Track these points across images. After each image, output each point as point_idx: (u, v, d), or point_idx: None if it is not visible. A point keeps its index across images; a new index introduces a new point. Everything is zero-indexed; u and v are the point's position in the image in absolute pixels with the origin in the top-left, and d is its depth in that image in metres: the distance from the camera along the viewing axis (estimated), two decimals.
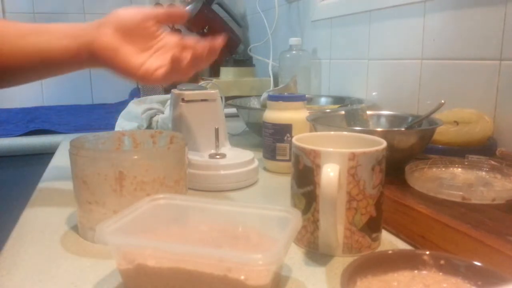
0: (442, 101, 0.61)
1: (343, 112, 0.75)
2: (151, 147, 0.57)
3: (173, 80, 0.56)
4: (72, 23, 0.57)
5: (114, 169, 0.46)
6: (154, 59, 0.56)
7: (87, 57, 0.55)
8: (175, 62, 0.53)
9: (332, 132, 0.53)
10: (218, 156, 0.70)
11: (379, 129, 0.70)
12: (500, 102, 0.72)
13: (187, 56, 0.52)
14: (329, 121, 0.74)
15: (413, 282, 0.34)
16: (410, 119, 0.69)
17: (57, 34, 0.55)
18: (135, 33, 0.56)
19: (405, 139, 0.59)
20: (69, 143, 0.50)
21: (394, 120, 0.73)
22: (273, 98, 0.76)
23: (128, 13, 0.57)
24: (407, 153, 0.60)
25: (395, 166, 0.54)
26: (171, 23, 0.57)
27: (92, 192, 0.47)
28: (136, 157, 0.47)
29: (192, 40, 0.56)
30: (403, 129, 0.66)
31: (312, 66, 1.32)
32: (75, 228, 0.52)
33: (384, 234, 0.49)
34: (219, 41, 0.53)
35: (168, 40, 0.59)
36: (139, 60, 0.55)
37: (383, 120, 0.74)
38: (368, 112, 0.77)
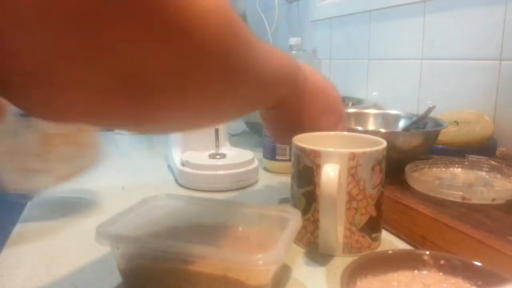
0: (430, 105, 0.62)
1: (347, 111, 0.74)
2: None
3: None
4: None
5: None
6: None
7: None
8: None
9: (332, 132, 0.53)
10: (218, 156, 0.70)
11: (382, 130, 0.70)
12: (500, 102, 0.72)
13: None
14: None
15: (413, 282, 0.34)
16: (413, 118, 0.69)
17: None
18: None
19: (408, 140, 0.59)
20: None
21: (395, 119, 0.73)
22: None
23: None
24: (410, 154, 0.60)
25: (396, 167, 0.54)
26: None
27: None
28: None
29: None
30: (398, 131, 0.66)
31: (312, 66, 1.32)
32: (75, 228, 0.52)
33: (384, 234, 0.49)
34: None
35: None
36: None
37: (383, 119, 0.74)
38: (372, 111, 0.77)
